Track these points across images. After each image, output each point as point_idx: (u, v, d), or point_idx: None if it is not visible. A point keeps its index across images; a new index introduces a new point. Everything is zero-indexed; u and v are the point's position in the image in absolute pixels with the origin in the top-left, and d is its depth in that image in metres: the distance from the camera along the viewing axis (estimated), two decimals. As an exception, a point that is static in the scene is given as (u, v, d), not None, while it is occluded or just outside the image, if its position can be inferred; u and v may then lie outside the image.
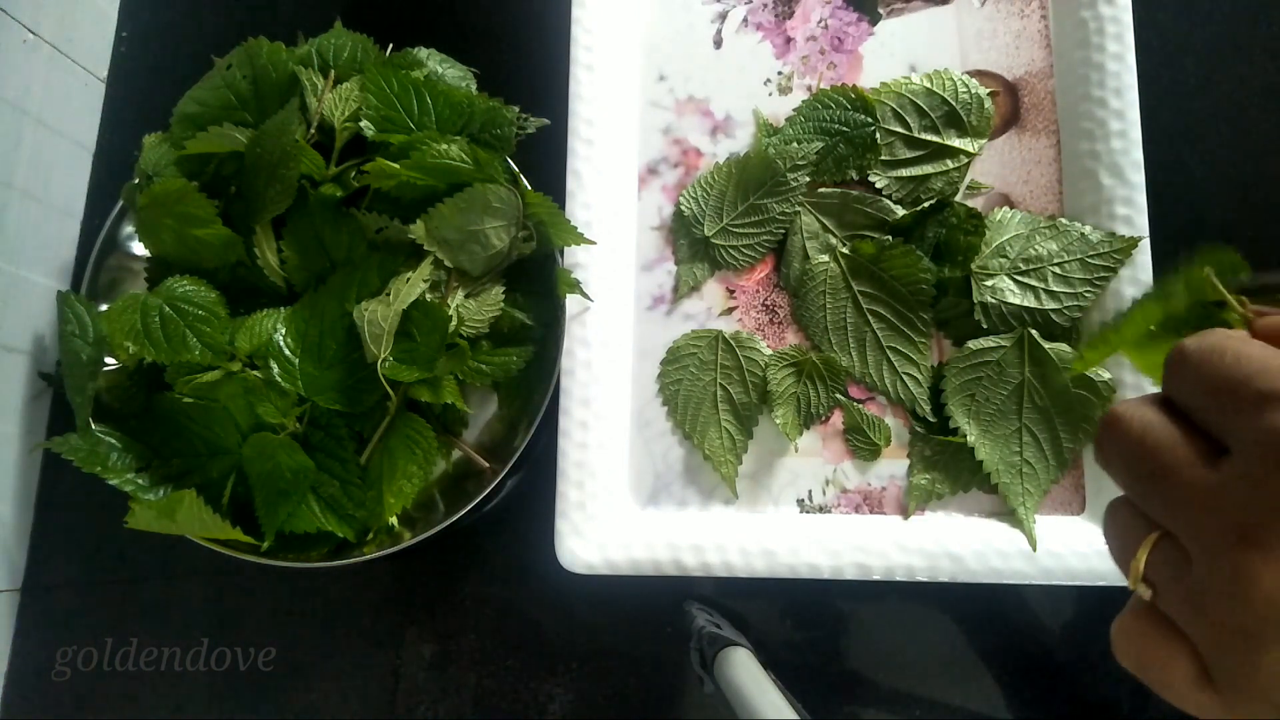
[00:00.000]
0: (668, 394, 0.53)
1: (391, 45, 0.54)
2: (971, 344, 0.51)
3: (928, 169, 0.53)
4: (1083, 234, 0.51)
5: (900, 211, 0.53)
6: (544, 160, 0.54)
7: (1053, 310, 0.50)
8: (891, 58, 0.56)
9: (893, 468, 0.52)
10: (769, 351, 0.53)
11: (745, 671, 0.47)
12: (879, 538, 0.50)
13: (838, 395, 0.52)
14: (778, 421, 0.51)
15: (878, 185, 0.54)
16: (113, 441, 0.48)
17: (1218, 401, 0.20)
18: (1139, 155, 0.52)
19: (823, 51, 0.57)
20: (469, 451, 0.51)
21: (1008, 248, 0.51)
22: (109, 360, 0.49)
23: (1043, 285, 0.51)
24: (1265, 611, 0.18)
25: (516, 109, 0.50)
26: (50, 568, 0.58)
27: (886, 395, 0.52)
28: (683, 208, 0.55)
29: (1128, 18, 0.53)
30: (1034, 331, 0.50)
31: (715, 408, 0.53)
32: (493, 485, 0.49)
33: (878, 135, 0.53)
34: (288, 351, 0.48)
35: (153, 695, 0.55)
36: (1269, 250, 0.56)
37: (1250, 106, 0.57)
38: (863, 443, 0.52)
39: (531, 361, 0.51)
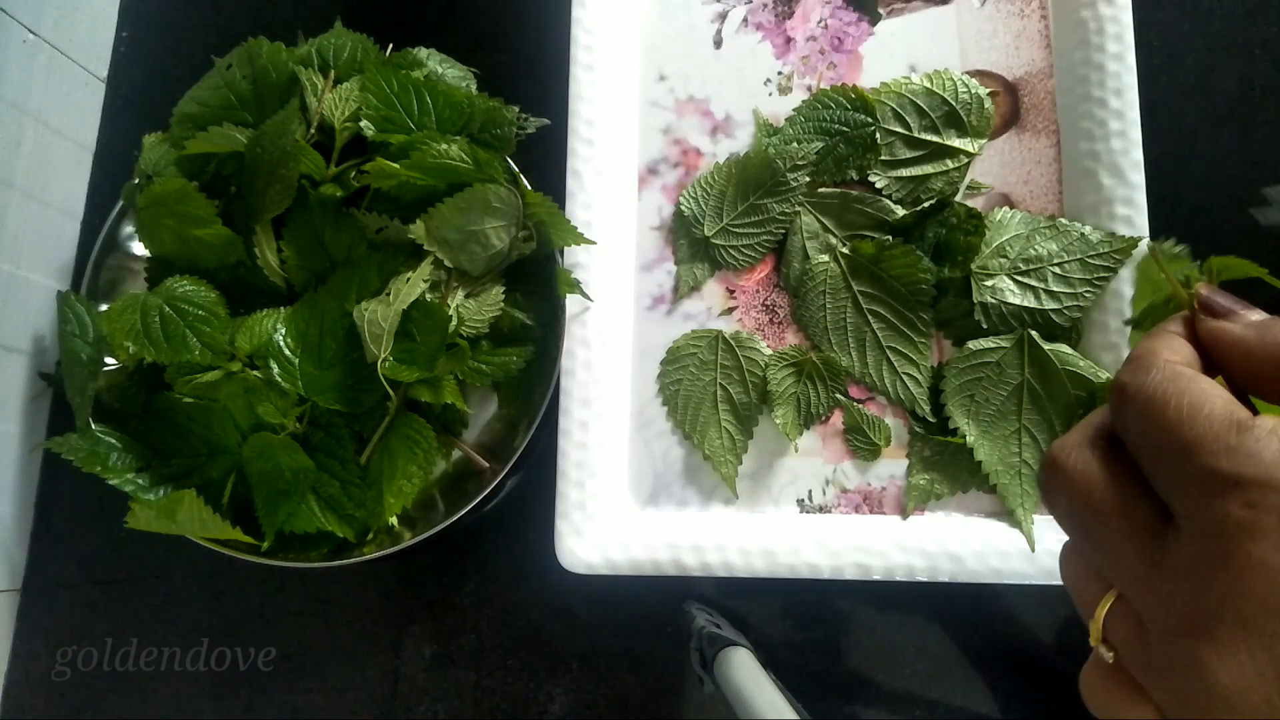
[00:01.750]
0: (668, 394, 0.53)
1: (391, 45, 0.54)
2: (971, 344, 0.51)
3: (928, 169, 0.53)
4: (1083, 234, 0.51)
5: (900, 211, 0.53)
6: (544, 160, 0.54)
7: (1053, 310, 0.50)
8: (891, 58, 0.56)
9: (892, 468, 0.52)
10: (769, 351, 0.53)
11: (745, 671, 0.47)
12: (879, 538, 0.50)
13: (838, 395, 0.52)
14: (778, 421, 0.51)
15: (878, 185, 0.54)
16: (113, 441, 0.48)
17: (1163, 466, 0.19)
18: (1139, 155, 0.52)
19: (823, 51, 0.57)
20: (469, 451, 0.51)
21: (1008, 248, 0.51)
22: (109, 360, 0.49)
23: (1043, 285, 0.51)
24: (1222, 699, 0.17)
25: (516, 109, 0.50)
26: (50, 568, 0.58)
27: (886, 395, 0.52)
28: (683, 208, 0.55)
29: (1128, 18, 0.53)
30: (1034, 332, 0.50)
31: (715, 408, 0.53)
32: (493, 485, 0.49)
33: (878, 135, 0.53)
34: (288, 351, 0.48)
35: (153, 695, 0.55)
36: (1270, 250, 0.56)
37: (1250, 106, 0.57)
38: (863, 443, 0.52)
39: (531, 361, 0.51)
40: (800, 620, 0.54)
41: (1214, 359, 0.21)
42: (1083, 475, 0.20)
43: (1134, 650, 0.20)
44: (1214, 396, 0.19)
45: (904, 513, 0.51)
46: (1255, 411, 0.21)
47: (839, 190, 0.54)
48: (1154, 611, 0.19)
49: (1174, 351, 0.21)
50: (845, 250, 0.52)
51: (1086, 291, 0.50)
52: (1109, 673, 0.21)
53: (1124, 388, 0.20)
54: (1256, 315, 0.21)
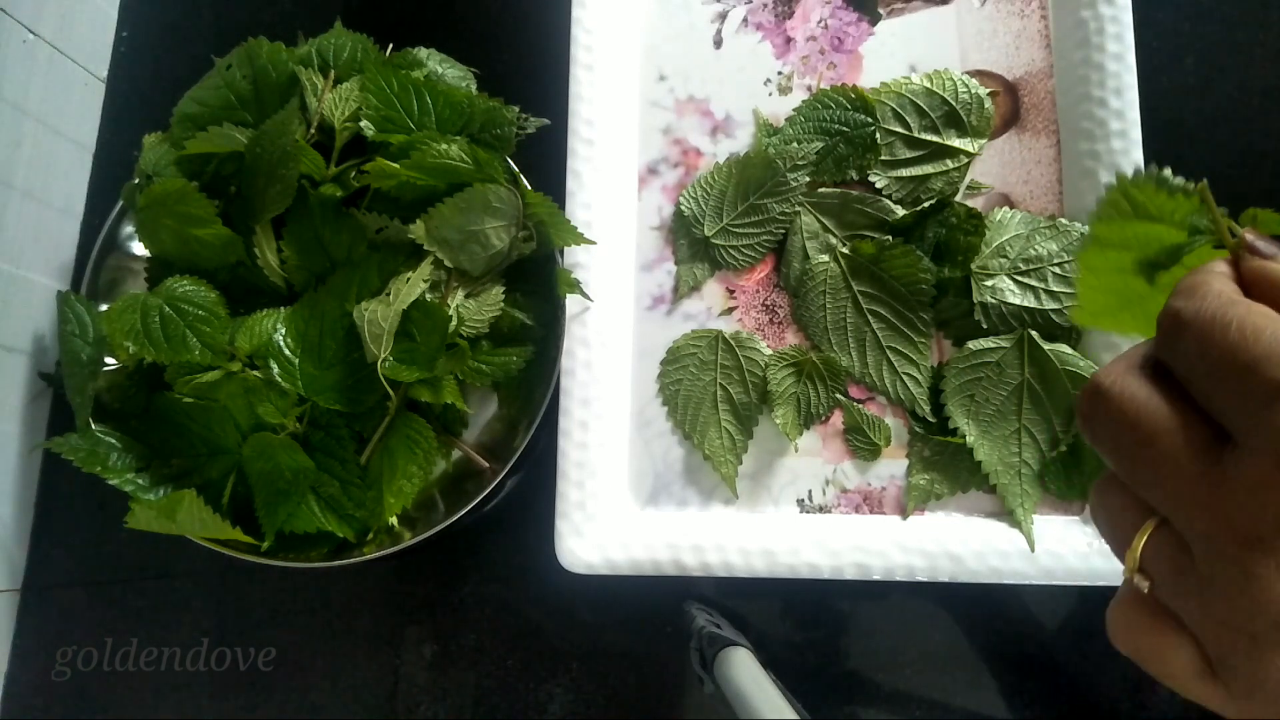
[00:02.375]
0: (668, 394, 0.53)
1: (391, 45, 0.54)
2: (971, 344, 0.51)
3: (928, 169, 0.53)
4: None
5: (900, 211, 0.53)
6: (544, 160, 0.54)
7: (1053, 310, 0.50)
8: (891, 58, 0.56)
9: (892, 468, 0.52)
10: (769, 351, 0.53)
11: (745, 671, 0.47)
12: (879, 538, 0.50)
13: (838, 395, 0.52)
14: (778, 421, 0.51)
15: (878, 185, 0.54)
16: (113, 441, 0.48)
17: (1222, 386, 0.19)
18: (1139, 155, 0.52)
19: (823, 51, 0.57)
20: (469, 451, 0.51)
21: (1008, 248, 0.51)
22: (109, 360, 0.49)
23: (1043, 285, 0.51)
24: (1274, 617, 0.17)
25: (516, 109, 0.50)
26: (50, 568, 0.58)
27: (886, 395, 0.52)
28: (683, 208, 0.55)
29: (1128, 18, 0.53)
30: (1034, 332, 0.50)
31: (715, 408, 0.53)
32: (493, 485, 0.49)
33: (878, 135, 0.53)
34: (288, 351, 0.48)
35: (153, 695, 0.55)
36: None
37: (1250, 106, 0.57)
38: (863, 443, 0.52)
39: (531, 361, 0.51)
40: (800, 620, 0.54)
41: (1258, 297, 0.20)
42: (1131, 399, 0.20)
43: (1173, 577, 0.19)
44: (1268, 317, 0.19)
45: (904, 513, 0.51)
46: None
47: (839, 190, 0.54)
48: (1205, 530, 0.19)
49: (1220, 282, 0.20)
50: (845, 250, 0.52)
51: (1086, 291, 0.50)
52: (1141, 605, 0.20)
53: (1178, 313, 0.20)
54: None
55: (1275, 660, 0.18)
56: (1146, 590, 0.20)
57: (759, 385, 0.52)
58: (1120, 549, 0.21)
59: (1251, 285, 0.21)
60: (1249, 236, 0.21)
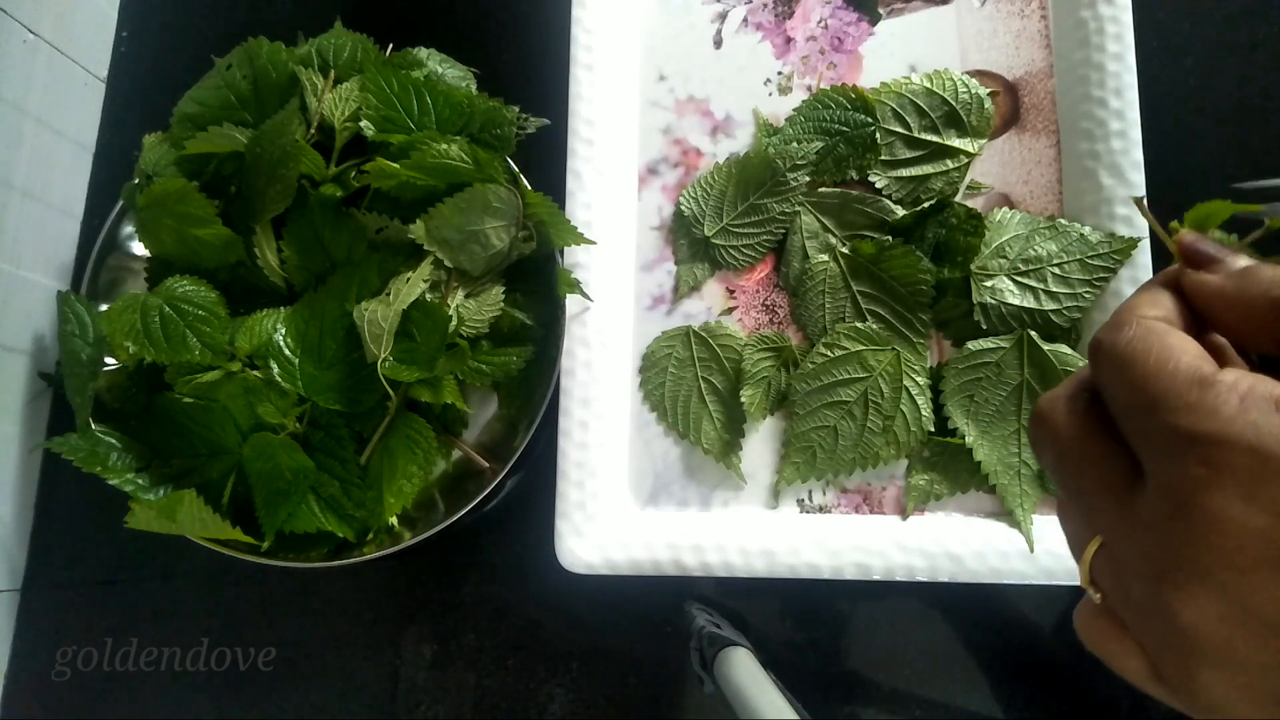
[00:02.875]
0: (653, 399, 0.53)
1: (391, 45, 0.54)
2: (971, 345, 0.51)
3: (928, 169, 0.53)
4: (1082, 234, 0.51)
5: (900, 211, 0.53)
6: (544, 160, 0.54)
7: (1052, 311, 0.50)
8: (891, 58, 0.56)
9: (892, 468, 0.52)
10: (744, 335, 0.53)
11: (745, 671, 0.47)
12: (879, 538, 0.50)
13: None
14: (744, 400, 0.51)
15: (878, 185, 0.54)
16: (113, 441, 0.48)
17: (1131, 421, 0.20)
18: (1139, 155, 0.52)
19: (823, 51, 0.57)
20: (469, 451, 0.51)
21: (1007, 248, 0.51)
22: (109, 360, 0.49)
23: (1042, 286, 0.51)
24: (1191, 642, 0.18)
25: (516, 109, 0.50)
26: (50, 568, 0.58)
27: (886, 395, 0.52)
28: (683, 208, 0.55)
29: (1128, 18, 0.53)
30: (1033, 333, 0.50)
31: (703, 401, 0.53)
32: (493, 485, 0.49)
33: (878, 135, 0.53)
34: (288, 351, 0.48)
35: (153, 695, 0.55)
36: (1270, 251, 0.56)
37: (1250, 106, 0.57)
38: (862, 443, 0.52)
39: (531, 361, 0.51)
40: (800, 620, 0.54)
41: (1198, 311, 0.21)
42: (1064, 428, 0.21)
43: (1116, 592, 0.21)
44: (1181, 352, 0.19)
45: (904, 513, 0.51)
46: (1254, 364, 0.21)
47: (839, 190, 0.54)
48: (1128, 558, 0.20)
49: (1154, 306, 0.21)
50: (845, 250, 0.52)
51: (1086, 292, 0.50)
52: (1098, 612, 0.21)
53: (1099, 345, 0.21)
54: (1241, 263, 0.21)
55: (1203, 677, 0.18)
56: (1099, 601, 0.21)
57: (739, 369, 0.52)
58: (1076, 560, 0.22)
59: (1193, 300, 0.21)
60: (1185, 239, 0.22)
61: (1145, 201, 0.22)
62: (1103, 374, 0.20)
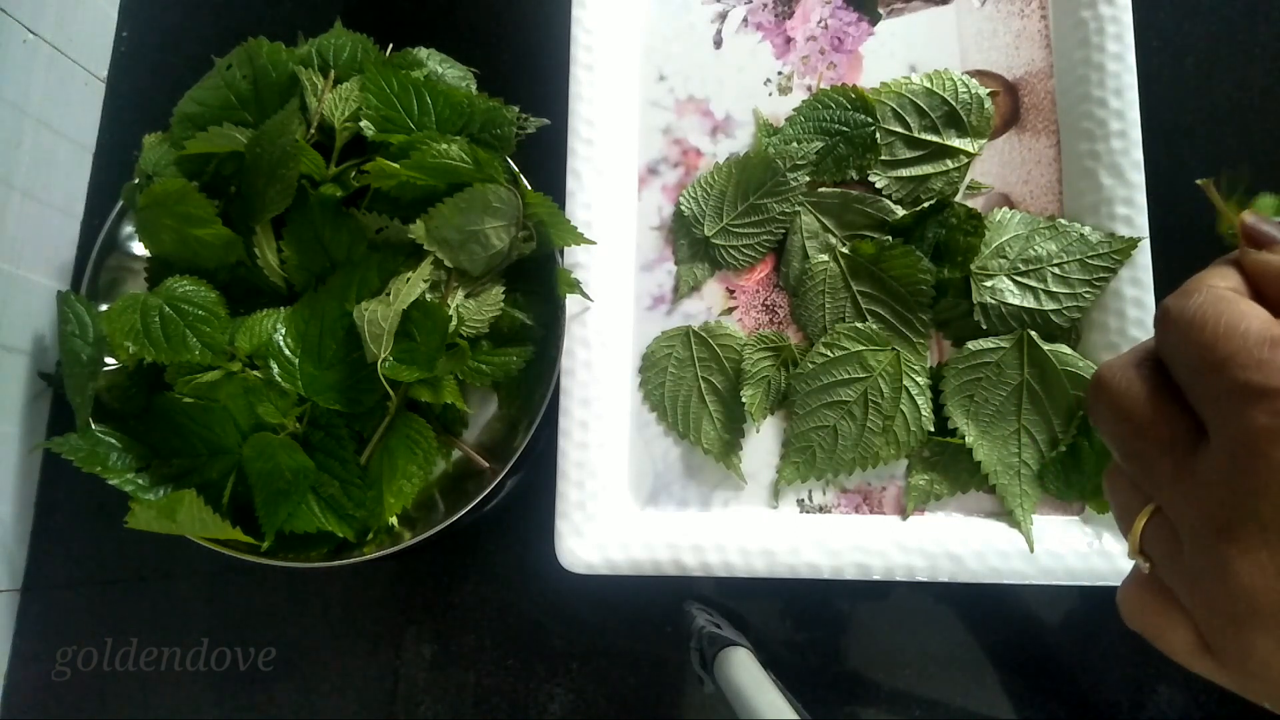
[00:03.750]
0: (653, 400, 0.53)
1: (391, 45, 0.54)
2: (971, 345, 0.51)
3: (928, 169, 0.53)
4: (1082, 234, 0.51)
5: (900, 211, 0.53)
6: (544, 160, 0.54)
7: (1052, 311, 0.50)
8: (891, 58, 0.56)
9: (892, 468, 0.52)
10: (743, 335, 0.53)
11: (745, 671, 0.47)
12: (879, 538, 0.50)
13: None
14: (744, 399, 0.51)
15: (878, 185, 0.54)
16: (113, 441, 0.48)
17: (1198, 382, 0.20)
18: (1139, 155, 0.52)
19: (823, 51, 0.57)
20: (469, 451, 0.51)
21: (1007, 248, 0.51)
22: (109, 360, 0.49)
23: (1042, 286, 0.51)
24: (1247, 603, 0.18)
25: (516, 109, 0.50)
26: (50, 568, 0.58)
27: (886, 395, 0.52)
28: (683, 208, 0.55)
29: (1128, 18, 0.53)
30: (1033, 333, 0.50)
31: (703, 401, 0.53)
32: (493, 485, 0.49)
33: (878, 135, 0.53)
34: (288, 351, 0.48)
35: (153, 695, 0.55)
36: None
37: (1250, 106, 0.58)
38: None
39: (531, 361, 0.51)
40: (800, 620, 0.54)
41: (1259, 290, 0.21)
42: (1125, 392, 0.22)
43: (1169, 561, 0.21)
44: (1251, 316, 0.19)
45: (904, 513, 0.51)
46: None
47: (839, 190, 0.54)
48: (1186, 519, 0.20)
49: (1222, 278, 0.21)
50: (845, 250, 0.52)
51: (1086, 292, 0.50)
52: (1145, 585, 0.21)
53: (1167, 310, 0.21)
54: None
55: (1256, 641, 0.19)
56: (1147, 571, 0.21)
57: (739, 368, 0.52)
58: (1124, 531, 0.22)
59: (1255, 280, 0.22)
60: (1247, 219, 0.22)
61: (1214, 182, 0.23)
62: (1170, 337, 0.21)
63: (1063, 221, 0.52)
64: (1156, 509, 0.21)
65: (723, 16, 0.58)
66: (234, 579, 0.57)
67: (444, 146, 0.47)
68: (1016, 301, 0.51)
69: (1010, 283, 0.51)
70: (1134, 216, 0.51)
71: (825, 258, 0.53)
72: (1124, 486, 0.22)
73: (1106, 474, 0.24)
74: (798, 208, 0.53)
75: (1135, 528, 0.21)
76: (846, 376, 0.51)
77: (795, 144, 0.54)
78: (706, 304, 0.55)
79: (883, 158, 0.54)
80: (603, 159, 0.55)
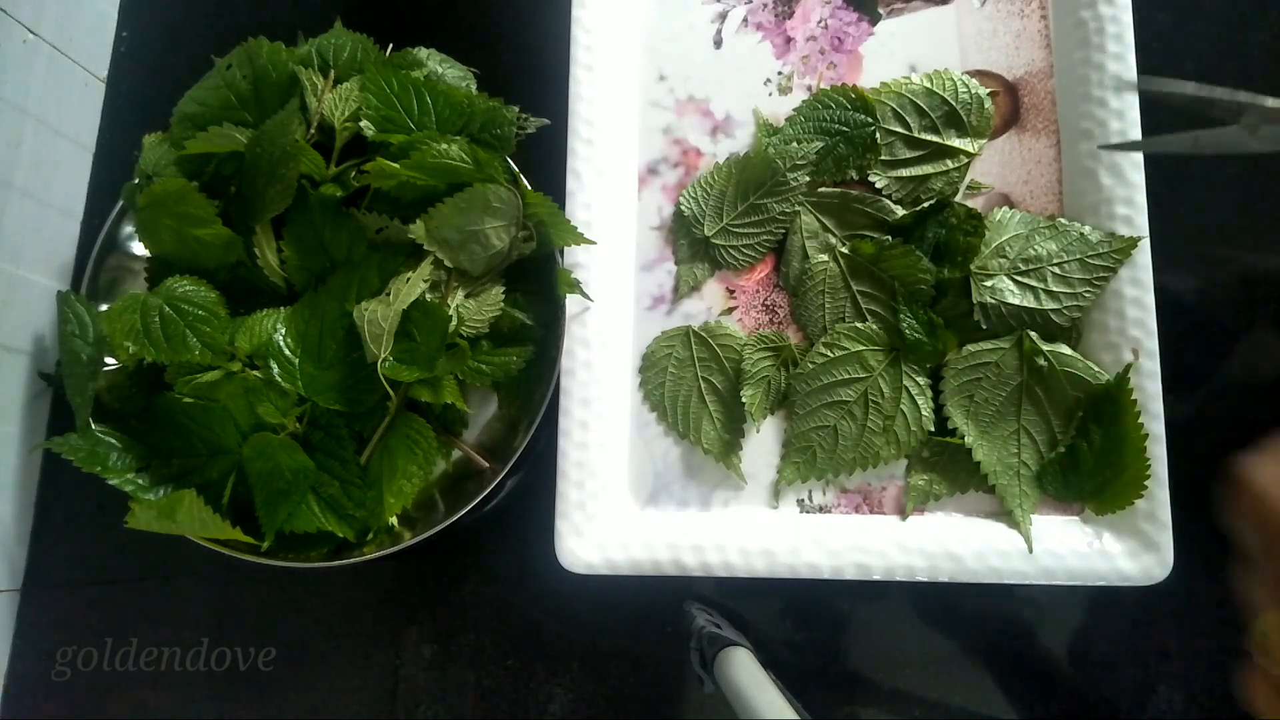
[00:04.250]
0: (653, 400, 0.53)
1: (391, 45, 0.54)
2: (971, 345, 0.51)
3: (928, 169, 0.53)
4: (1082, 234, 0.51)
5: (900, 211, 0.53)
6: (544, 160, 0.54)
7: (1052, 311, 0.50)
8: (891, 58, 0.56)
9: (892, 468, 0.52)
10: (743, 335, 0.53)
11: (745, 671, 0.47)
12: (879, 538, 0.50)
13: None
14: (744, 399, 0.51)
15: (878, 185, 0.54)
16: (113, 441, 0.48)
17: None
18: (1139, 155, 0.51)
19: (823, 51, 0.57)
20: (469, 451, 0.51)
21: (1007, 248, 0.51)
22: (109, 360, 0.49)
23: (1042, 285, 0.51)
24: None
25: (516, 109, 0.50)
26: (50, 568, 0.58)
27: (886, 395, 0.52)
28: (683, 208, 0.55)
29: (1128, 18, 0.53)
30: (1033, 333, 0.50)
31: (703, 401, 0.53)
32: (493, 485, 0.49)
33: (878, 135, 0.53)
34: (288, 351, 0.48)
35: (153, 695, 0.55)
36: (1269, 250, 0.56)
37: (1250, 107, 0.57)
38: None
39: (531, 361, 0.51)
40: (800, 620, 0.54)
41: None
42: (1267, 497, 0.22)
43: None
44: None
45: (903, 513, 0.51)
46: None
47: (839, 190, 0.54)
48: None
49: None
50: (845, 250, 0.52)
51: (1086, 292, 0.50)
52: (1266, 677, 0.22)
53: None
54: None
55: None
56: (1263, 664, 0.22)
57: (739, 368, 0.52)
58: (1247, 620, 0.22)
59: None
60: None
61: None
62: None
63: (1063, 221, 0.52)
64: None
65: (723, 16, 0.58)
66: (234, 579, 0.57)
67: (444, 146, 0.47)
68: (1016, 301, 0.51)
69: (1010, 282, 0.51)
70: (1134, 216, 0.51)
71: (825, 258, 0.53)
72: (1250, 580, 0.22)
73: (1233, 560, 0.23)
74: (798, 208, 0.53)
75: (1260, 625, 0.21)
76: (846, 376, 0.51)
77: (795, 144, 0.54)
78: (706, 304, 0.55)
79: (883, 158, 0.54)
80: (603, 159, 0.55)
